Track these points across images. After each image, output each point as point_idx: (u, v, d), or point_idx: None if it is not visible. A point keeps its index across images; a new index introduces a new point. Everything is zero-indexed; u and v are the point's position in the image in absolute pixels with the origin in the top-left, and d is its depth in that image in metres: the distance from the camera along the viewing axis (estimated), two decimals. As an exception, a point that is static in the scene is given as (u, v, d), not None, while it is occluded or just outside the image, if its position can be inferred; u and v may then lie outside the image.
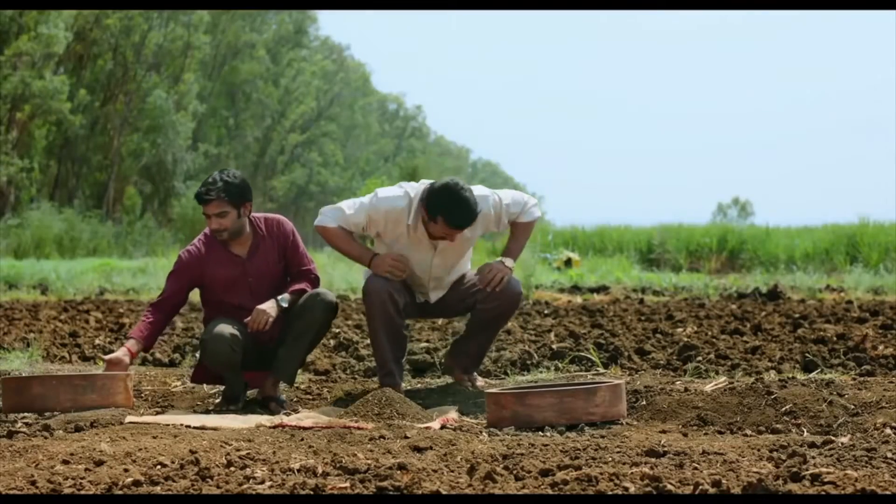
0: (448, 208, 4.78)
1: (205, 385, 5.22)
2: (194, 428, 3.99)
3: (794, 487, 2.67)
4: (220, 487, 2.85)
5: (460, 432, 3.89)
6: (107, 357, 4.67)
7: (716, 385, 4.54)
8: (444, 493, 2.76)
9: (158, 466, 3.08)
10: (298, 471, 3.06)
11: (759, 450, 3.35)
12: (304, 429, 3.94)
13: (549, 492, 2.79)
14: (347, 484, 2.88)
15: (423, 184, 4.98)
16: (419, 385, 5.32)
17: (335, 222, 5.00)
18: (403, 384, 5.12)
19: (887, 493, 2.62)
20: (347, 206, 5.01)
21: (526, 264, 12.65)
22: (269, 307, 4.65)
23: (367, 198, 5.02)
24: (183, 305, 4.90)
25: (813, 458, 3.12)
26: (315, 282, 4.89)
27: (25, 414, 4.37)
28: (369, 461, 3.18)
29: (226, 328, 4.58)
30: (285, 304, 4.70)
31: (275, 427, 4.00)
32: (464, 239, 5.03)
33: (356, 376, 5.75)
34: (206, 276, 4.77)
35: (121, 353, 4.63)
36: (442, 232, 4.87)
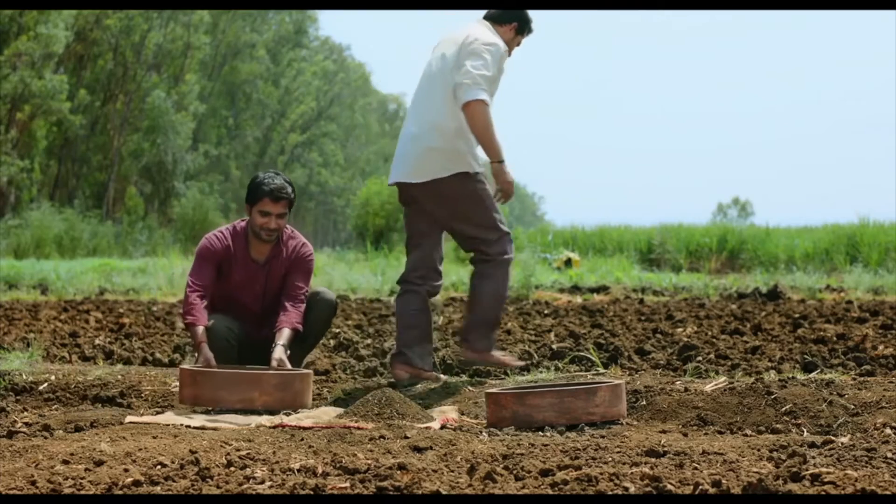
0: (529, 17, 5.38)
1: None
2: (194, 428, 3.98)
3: (794, 487, 2.67)
4: (220, 487, 2.85)
5: (460, 432, 3.89)
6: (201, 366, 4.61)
7: (716, 385, 4.54)
8: (444, 493, 2.76)
9: (158, 466, 3.08)
10: (298, 471, 3.06)
11: (759, 450, 3.34)
12: (304, 429, 3.94)
13: (549, 492, 2.79)
14: (347, 484, 2.88)
15: (476, 23, 5.25)
16: (419, 385, 5.32)
17: (489, 96, 4.98)
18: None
19: (887, 493, 2.62)
20: (487, 67, 5.00)
21: (526, 264, 12.65)
22: (282, 355, 4.69)
23: (491, 49, 5.05)
24: None
25: (813, 458, 3.12)
26: (302, 304, 4.91)
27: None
28: (369, 461, 3.18)
29: (221, 322, 4.64)
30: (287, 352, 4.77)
31: (275, 427, 4.00)
32: None
33: (356, 376, 5.75)
34: (225, 270, 4.81)
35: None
36: (519, 43, 5.37)
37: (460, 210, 5.14)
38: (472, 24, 5.25)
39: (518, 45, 5.38)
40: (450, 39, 5.21)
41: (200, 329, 4.67)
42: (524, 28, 5.34)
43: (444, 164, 5.05)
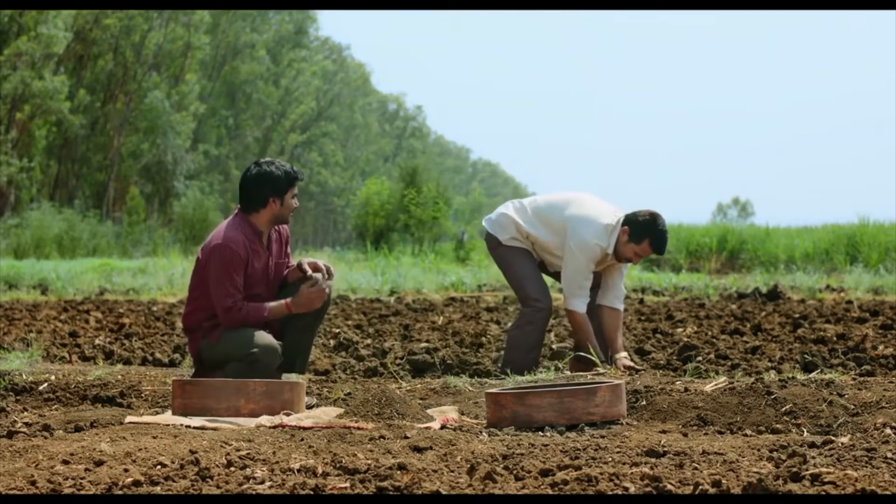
0: (657, 236, 5.54)
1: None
2: (194, 428, 3.98)
3: (794, 487, 2.67)
4: (220, 487, 2.85)
5: (460, 432, 3.89)
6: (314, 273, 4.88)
7: (716, 385, 4.54)
8: (444, 493, 2.76)
9: (158, 466, 3.08)
10: (298, 471, 3.06)
11: (759, 450, 3.35)
12: (304, 429, 3.94)
13: (549, 492, 2.79)
14: (347, 484, 2.88)
15: (613, 212, 5.64)
16: (419, 385, 5.32)
17: (585, 306, 5.65)
18: (404, 385, 5.14)
19: (887, 493, 2.62)
20: (584, 275, 5.59)
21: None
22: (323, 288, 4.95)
23: (586, 253, 5.55)
24: None
25: (813, 458, 3.12)
26: None
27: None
28: (369, 461, 3.18)
29: (268, 337, 4.80)
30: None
31: (275, 427, 4.00)
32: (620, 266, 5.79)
33: (356, 376, 5.75)
34: (249, 267, 4.84)
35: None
36: (635, 253, 5.57)
37: (500, 268, 5.95)
38: (596, 200, 5.73)
39: (635, 254, 5.59)
40: (576, 200, 5.72)
41: (269, 304, 4.82)
42: (635, 237, 5.54)
43: (496, 229, 5.82)
